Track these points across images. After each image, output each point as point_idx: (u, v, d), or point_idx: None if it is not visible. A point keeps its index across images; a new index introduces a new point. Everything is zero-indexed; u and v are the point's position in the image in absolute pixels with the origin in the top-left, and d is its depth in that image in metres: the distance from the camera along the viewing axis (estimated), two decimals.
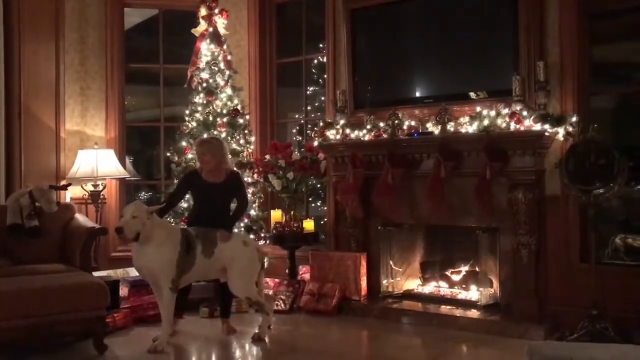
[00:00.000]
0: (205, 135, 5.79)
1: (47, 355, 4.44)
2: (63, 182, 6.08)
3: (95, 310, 4.44)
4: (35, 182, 5.67)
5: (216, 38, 6.26)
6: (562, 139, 4.92)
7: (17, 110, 6.04)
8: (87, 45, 6.72)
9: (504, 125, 4.98)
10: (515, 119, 4.91)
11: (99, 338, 4.49)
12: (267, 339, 4.82)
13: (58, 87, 6.43)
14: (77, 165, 6.26)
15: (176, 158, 6.18)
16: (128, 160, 7.20)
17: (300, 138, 7.15)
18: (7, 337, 4.16)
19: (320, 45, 6.74)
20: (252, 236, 6.09)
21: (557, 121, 4.86)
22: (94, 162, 6.18)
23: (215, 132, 6.06)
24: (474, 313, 5.15)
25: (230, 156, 5.27)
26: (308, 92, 7.05)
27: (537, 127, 4.83)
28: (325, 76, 6.49)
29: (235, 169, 5.19)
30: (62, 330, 4.41)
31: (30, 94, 6.16)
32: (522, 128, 4.89)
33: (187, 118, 6.24)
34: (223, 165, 4.96)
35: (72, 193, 6.28)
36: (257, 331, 4.85)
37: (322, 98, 6.77)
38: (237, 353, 4.68)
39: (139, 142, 8.27)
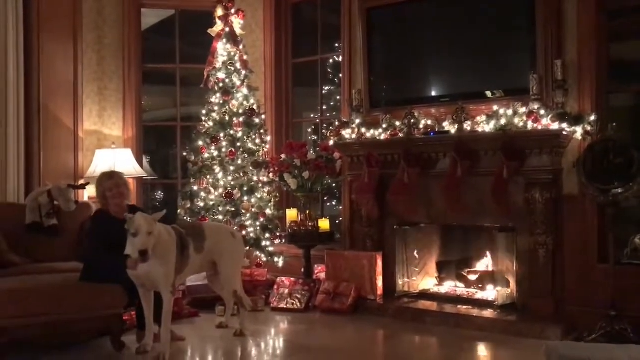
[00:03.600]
0: (108, 169, 5.41)
1: (64, 353, 4.46)
2: (81, 182, 6.12)
3: (113, 308, 4.48)
4: (54, 181, 5.73)
5: (232, 38, 6.27)
6: (580, 138, 4.88)
7: (36, 109, 6.10)
8: (105, 46, 6.77)
9: (521, 124, 4.94)
10: (532, 118, 4.87)
11: (116, 336, 4.52)
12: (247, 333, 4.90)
13: (76, 87, 6.49)
14: (95, 164, 6.31)
15: (193, 157, 6.22)
16: (145, 160, 7.24)
17: (315, 137, 7.15)
18: (25, 334, 4.21)
19: (336, 45, 6.73)
20: (267, 235, 6.12)
21: (575, 120, 4.82)
22: (112, 162, 6.22)
23: (232, 132, 6.09)
24: (490, 313, 5.11)
25: None
26: (323, 92, 7.05)
27: (555, 126, 4.79)
28: (341, 75, 6.49)
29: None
30: (79, 328, 4.45)
31: (49, 94, 6.22)
32: (539, 127, 4.85)
33: (203, 118, 6.26)
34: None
35: (89, 192, 6.32)
36: (238, 327, 4.91)
37: (338, 97, 6.77)
38: (253, 351, 4.69)
39: (155, 141, 8.31)
